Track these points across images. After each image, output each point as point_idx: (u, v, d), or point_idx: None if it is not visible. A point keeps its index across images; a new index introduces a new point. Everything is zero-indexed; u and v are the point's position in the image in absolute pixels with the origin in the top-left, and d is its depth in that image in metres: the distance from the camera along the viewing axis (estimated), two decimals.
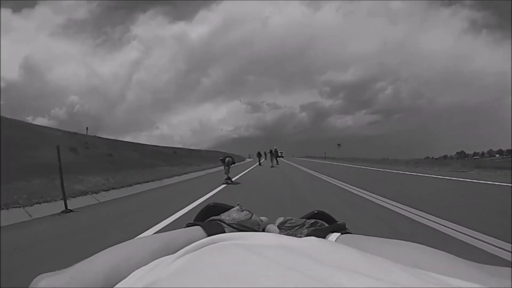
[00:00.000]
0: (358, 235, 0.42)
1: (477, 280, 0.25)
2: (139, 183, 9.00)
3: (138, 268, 0.32)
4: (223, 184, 8.59)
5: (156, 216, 4.31)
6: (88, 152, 19.68)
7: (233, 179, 9.50)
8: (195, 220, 0.50)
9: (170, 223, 3.94)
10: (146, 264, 0.32)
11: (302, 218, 0.52)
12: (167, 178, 11.07)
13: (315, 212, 0.53)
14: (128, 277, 0.30)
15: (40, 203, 5.95)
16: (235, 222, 0.47)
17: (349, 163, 21.48)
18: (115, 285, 0.29)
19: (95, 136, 27.97)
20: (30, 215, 5.10)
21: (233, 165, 9.22)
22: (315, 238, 0.37)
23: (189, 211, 4.78)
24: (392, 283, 0.22)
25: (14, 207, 5.45)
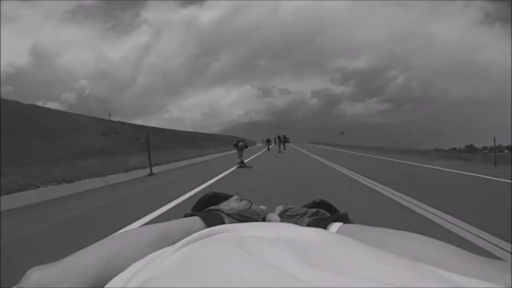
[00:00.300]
0: (360, 225, 0.41)
1: (480, 274, 0.24)
2: (173, 161, 11.26)
3: (134, 260, 0.30)
4: (237, 166, 9.48)
5: (203, 179, 6.58)
6: (118, 136, 21.99)
7: (245, 161, 10.56)
8: (193, 210, 0.50)
9: (214, 181, 6.30)
10: (143, 256, 0.31)
11: (303, 206, 0.51)
12: (193, 158, 13.36)
13: (317, 201, 0.52)
14: (125, 271, 0.28)
15: (111, 174, 8.27)
16: (235, 212, 0.46)
17: (345, 149, 23.84)
18: (110, 277, 0.28)
19: (119, 122, 30.36)
20: (106, 182, 7.36)
21: (245, 149, 10.08)
22: (316, 229, 0.35)
23: (222, 177, 7.12)
24: (392, 280, 0.21)
25: (94, 177, 7.73)
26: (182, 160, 12.10)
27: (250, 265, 0.24)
